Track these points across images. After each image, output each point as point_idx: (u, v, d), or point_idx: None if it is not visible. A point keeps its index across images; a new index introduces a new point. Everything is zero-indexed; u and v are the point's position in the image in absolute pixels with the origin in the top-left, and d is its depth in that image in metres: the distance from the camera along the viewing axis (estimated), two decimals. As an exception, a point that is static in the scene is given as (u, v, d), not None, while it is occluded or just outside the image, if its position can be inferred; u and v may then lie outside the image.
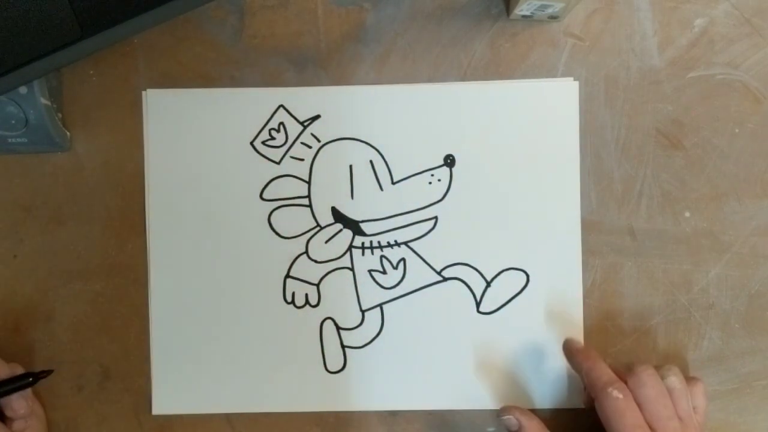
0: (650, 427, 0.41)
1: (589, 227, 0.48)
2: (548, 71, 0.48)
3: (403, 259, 0.49)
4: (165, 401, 0.48)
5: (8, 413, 0.44)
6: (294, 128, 0.49)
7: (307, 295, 0.48)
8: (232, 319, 0.48)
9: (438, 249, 0.48)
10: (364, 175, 0.48)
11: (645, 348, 0.48)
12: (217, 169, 0.48)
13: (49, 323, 0.49)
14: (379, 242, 0.48)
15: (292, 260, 0.48)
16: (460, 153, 0.48)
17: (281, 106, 0.49)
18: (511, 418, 0.44)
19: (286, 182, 0.49)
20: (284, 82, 0.49)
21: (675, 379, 0.43)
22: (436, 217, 0.48)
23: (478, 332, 0.48)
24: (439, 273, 0.49)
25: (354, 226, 0.49)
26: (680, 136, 0.49)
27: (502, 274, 0.48)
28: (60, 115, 0.47)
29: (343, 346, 0.48)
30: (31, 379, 0.45)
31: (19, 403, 0.44)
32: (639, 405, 0.42)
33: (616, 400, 0.41)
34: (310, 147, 0.49)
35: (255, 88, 0.48)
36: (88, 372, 0.49)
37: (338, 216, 0.49)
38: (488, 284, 0.48)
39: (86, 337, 0.49)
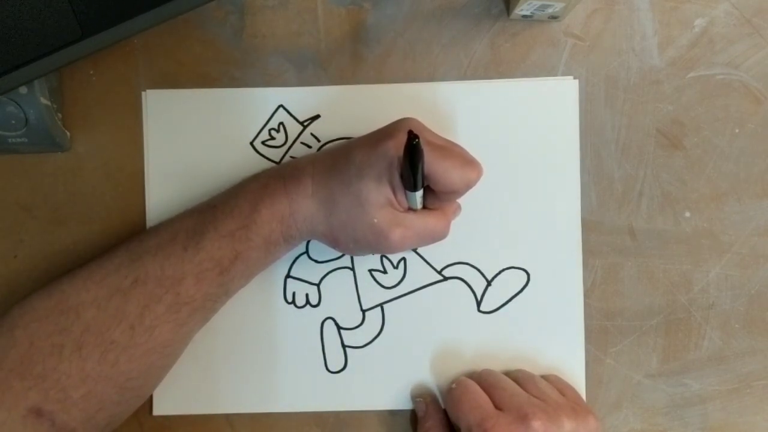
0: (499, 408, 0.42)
1: (589, 227, 0.48)
2: (548, 71, 0.48)
3: (404, 259, 0.49)
4: (165, 401, 0.48)
5: None
6: (294, 128, 0.49)
7: (307, 294, 0.48)
8: (233, 319, 0.48)
9: (438, 248, 0.48)
10: (364, 175, 0.48)
11: (645, 348, 0.48)
12: (217, 169, 0.48)
13: (49, 323, 0.49)
14: (379, 242, 0.48)
15: (292, 260, 0.48)
16: (461, 153, 0.48)
17: (281, 106, 0.49)
18: (421, 402, 0.47)
19: (286, 182, 0.48)
20: (284, 82, 0.49)
21: (519, 374, 0.46)
22: (436, 217, 0.48)
23: (478, 331, 0.48)
24: (439, 272, 0.49)
25: (354, 226, 0.48)
26: (680, 136, 0.49)
27: (503, 273, 0.48)
28: (60, 115, 0.47)
29: (344, 346, 0.48)
30: None
31: None
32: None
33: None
34: (310, 147, 0.49)
35: (255, 88, 0.48)
36: (88, 372, 0.49)
37: (338, 216, 0.48)
38: (489, 283, 0.48)
39: (86, 337, 0.49)
